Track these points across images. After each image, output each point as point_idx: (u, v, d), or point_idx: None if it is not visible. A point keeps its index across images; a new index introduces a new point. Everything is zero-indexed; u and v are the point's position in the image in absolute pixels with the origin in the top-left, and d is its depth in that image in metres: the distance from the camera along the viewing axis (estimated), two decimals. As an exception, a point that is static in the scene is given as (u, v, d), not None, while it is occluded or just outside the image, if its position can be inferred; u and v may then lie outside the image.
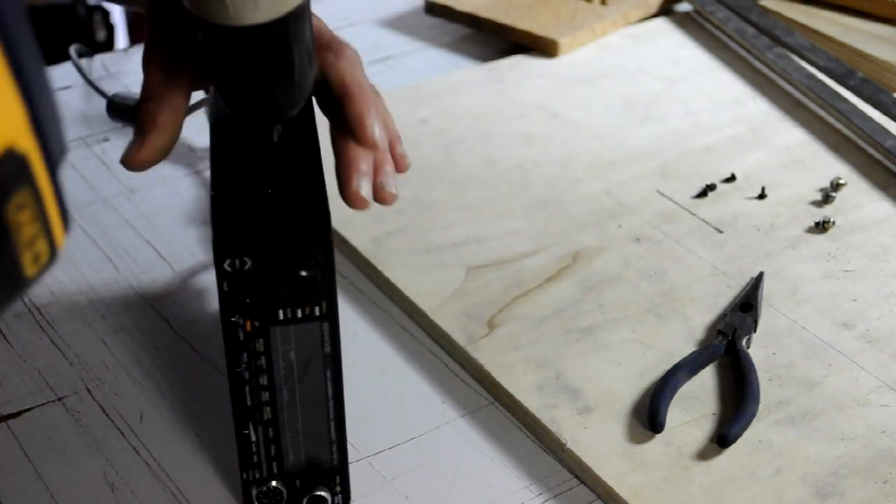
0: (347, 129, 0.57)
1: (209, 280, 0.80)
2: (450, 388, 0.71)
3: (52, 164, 0.37)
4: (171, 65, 0.57)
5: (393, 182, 0.58)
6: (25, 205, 0.35)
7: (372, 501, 0.63)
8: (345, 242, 0.81)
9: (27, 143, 0.35)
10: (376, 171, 0.58)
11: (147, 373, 0.72)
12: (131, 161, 0.56)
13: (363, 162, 0.57)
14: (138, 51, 1.11)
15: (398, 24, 1.17)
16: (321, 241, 0.54)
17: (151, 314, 0.77)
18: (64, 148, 0.38)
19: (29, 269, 0.36)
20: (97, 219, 0.86)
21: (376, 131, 0.56)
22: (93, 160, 0.93)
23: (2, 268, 0.35)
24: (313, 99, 0.61)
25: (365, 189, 0.56)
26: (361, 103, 0.56)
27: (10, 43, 0.34)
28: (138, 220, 0.86)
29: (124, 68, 1.07)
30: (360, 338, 0.75)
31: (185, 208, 0.88)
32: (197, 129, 0.94)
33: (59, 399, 0.70)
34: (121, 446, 0.67)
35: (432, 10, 1.14)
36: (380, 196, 0.58)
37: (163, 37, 0.57)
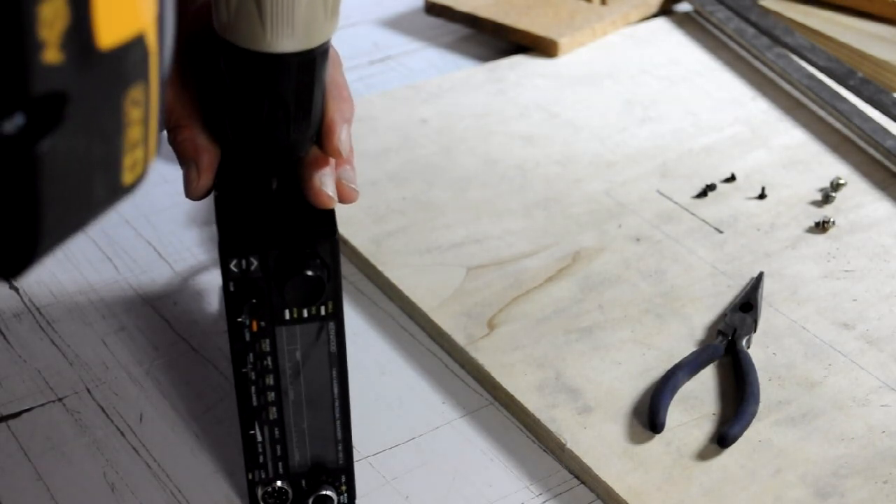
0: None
1: (209, 280, 0.80)
2: (450, 388, 0.71)
3: (163, 75, 0.37)
4: (188, 87, 0.56)
5: (355, 178, 0.57)
6: (139, 102, 0.36)
7: (372, 501, 0.63)
8: (345, 242, 0.81)
9: (152, 40, 0.35)
10: (336, 168, 0.56)
11: (147, 373, 0.72)
12: (195, 193, 0.55)
13: (325, 161, 0.56)
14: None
15: (398, 24, 1.17)
16: (327, 241, 0.54)
17: (151, 314, 0.77)
18: (167, 70, 0.38)
19: (127, 174, 0.37)
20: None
21: (342, 142, 0.55)
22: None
23: (107, 163, 0.36)
24: None
25: (329, 186, 0.55)
26: (333, 109, 0.55)
27: None
28: (138, 220, 0.86)
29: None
30: (360, 338, 0.75)
31: (185, 208, 0.88)
32: (197, 129, 0.94)
33: (59, 399, 0.70)
34: (121, 446, 0.67)
35: (432, 10, 1.14)
36: (342, 192, 0.56)
37: (184, 62, 0.57)
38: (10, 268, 0.35)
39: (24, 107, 0.32)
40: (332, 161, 0.56)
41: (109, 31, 0.33)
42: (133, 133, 0.36)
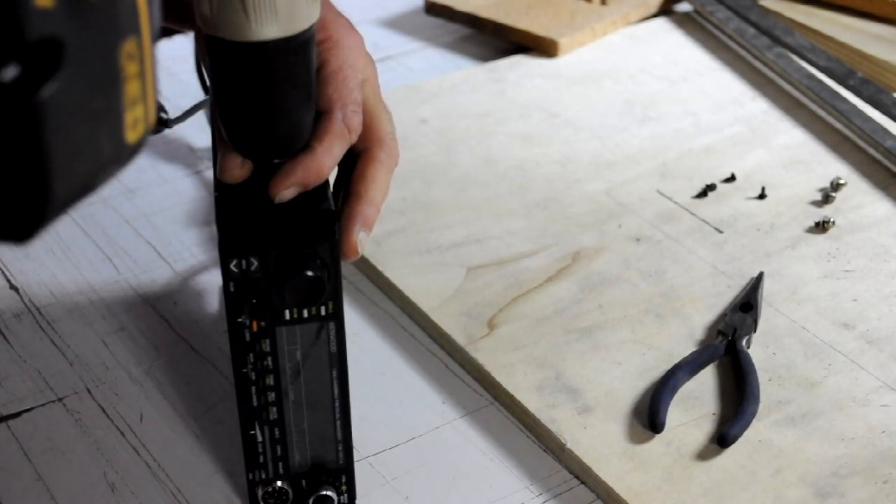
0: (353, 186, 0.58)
1: (209, 280, 0.80)
2: (450, 388, 0.71)
3: (154, 29, 0.37)
4: None
5: (366, 243, 0.58)
6: (133, 56, 0.36)
7: (372, 501, 0.63)
8: (345, 242, 0.81)
9: None
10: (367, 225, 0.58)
11: (147, 373, 0.72)
12: (232, 177, 0.55)
13: (364, 218, 0.57)
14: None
15: (398, 24, 1.17)
16: (327, 241, 0.54)
17: (151, 314, 0.77)
18: (159, 28, 0.38)
19: (129, 132, 0.37)
20: (97, 219, 0.86)
21: (360, 243, 0.56)
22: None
23: (109, 117, 0.36)
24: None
25: (364, 246, 0.57)
26: (354, 210, 0.57)
27: None
28: (138, 220, 0.86)
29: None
30: (360, 338, 0.75)
31: (185, 208, 0.88)
32: (197, 129, 0.94)
33: (59, 399, 0.70)
34: (121, 446, 0.67)
35: (432, 10, 1.14)
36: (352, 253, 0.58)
37: None
38: (21, 229, 0.34)
39: (21, 53, 0.32)
40: (371, 217, 0.57)
41: None
42: (131, 88, 0.36)
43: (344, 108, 0.56)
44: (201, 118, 0.90)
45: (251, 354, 0.56)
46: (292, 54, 0.51)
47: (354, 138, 0.57)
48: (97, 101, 0.35)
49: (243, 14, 0.49)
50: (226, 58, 0.52)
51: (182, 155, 0.94)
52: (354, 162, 0.59)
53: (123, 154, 0.37)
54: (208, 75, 0.56)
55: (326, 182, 0.57)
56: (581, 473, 0.65)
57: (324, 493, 0.60)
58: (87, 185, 0.36)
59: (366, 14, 1.18)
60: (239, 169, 0.55)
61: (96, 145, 0.36)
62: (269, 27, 0.50)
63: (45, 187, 0.34)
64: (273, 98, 0.52)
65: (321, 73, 0.56)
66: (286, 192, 0.54)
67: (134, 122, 0.37)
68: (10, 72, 0.32)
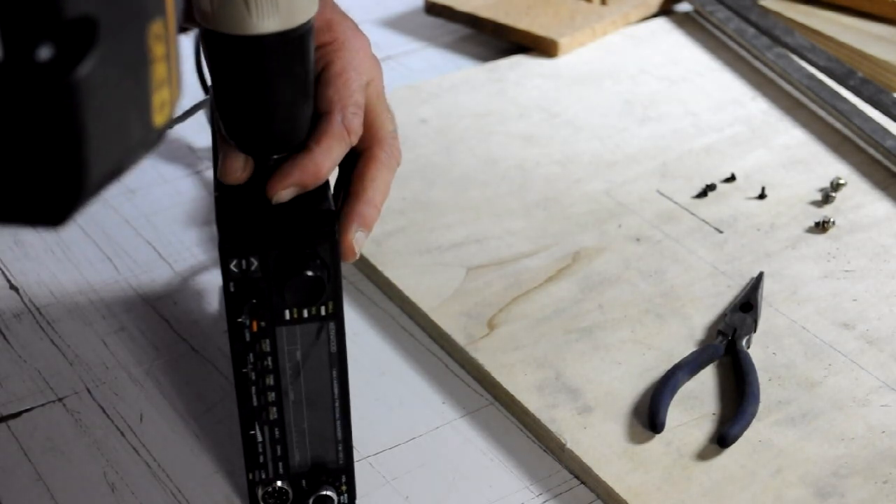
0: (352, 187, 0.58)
1: (209, 280, 0.80)
2: (450, 388, 0.71)
3: (178, 12, 0.37)
4: None
5: (363, 243, 0.58)
6: (161, 38, 0.36)
7: (372, 501, 0.63)
8: (345, 242, 0.81)
9: None
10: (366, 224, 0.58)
11: (147, 373, 0.72)
12: (233, 178, 0.55)
13: (362, 219, 0.57)
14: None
15: (398, 24, 1.17)
16: (327, 241, 0.54)
17: (151, 314, 0.77)
18: (180, 14, 0.38)
19: (157, 114, 0.37)
20: (97, 219, 0.86)
21: (357, 242, 0.56)
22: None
23: (138, 100, 0.36)
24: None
25: (360, 245, 0.57)
26: (354, 209, 0.57)
27: None
28: (138, 220, 0.86)
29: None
30: (360, 338, 0.75)
31: (185, 208, 0.88)
32: (197, 129, 0.94)
33: (59, 399, 0.70)
34: (121, 446, 0.67)
35: (432, 10, 1.14)
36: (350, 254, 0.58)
37: None
38: (57, 212, 0.34)
39: (58, 32, 0.32)
40: (370, 217, 0.57)
41: None
42: (159, 70, 0.36)
43: (344, 109, 0.56)
44: (201, 118, 0.90)
45: (251, 354, 0.56)
46: (291, 47, 0.51)
47: (354, 140, 0.57)
48: (128, 83, 0.35)
49: (244, 8, 0.50)
50: (225, 52, 0.52)
51: (182, 155, 0.94)
52: (355, 162, 0.59)
53: (151, 137, 0.37)
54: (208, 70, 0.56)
55: (327, 182, 0.57)
56: (581, 473, 0.65)
57: (324, 493, 0.60)
58: (118, 168, 0.36)
59: (366, 14, 1.18)
60: (241, 171, 0.55)
61: (128, 127, 0.36)
62: (270, 20, 0.50)
63: (81, 168, 0.34)
64: (271, 91, 0.52)
65: (325, 74, 0.56)
66: (284, 192, 0.54)
67: (161, 104, 0.37)
68: (46, 52, 0.32)
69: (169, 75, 0.37)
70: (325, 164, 0.55)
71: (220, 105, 0.54)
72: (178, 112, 0.81)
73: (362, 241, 0.57)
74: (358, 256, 0.57)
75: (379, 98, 0.60)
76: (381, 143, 0.59)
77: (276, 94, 0.52)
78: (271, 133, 0.54)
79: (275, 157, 0.55)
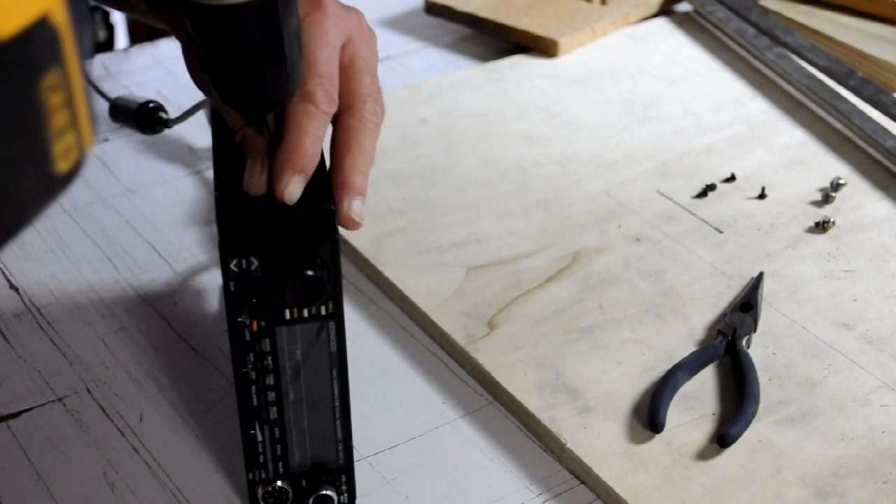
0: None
1: (209, 280, 0.80)
2: (450, 388, 0.71)
3: (83, 52, 0.36)
4: None
5: (362, 209, 0.58)
6: (57, 87, 0.34)
7: (372, 501, 0.63)
8: (345, 242, 0.81)
9: (61, 19, 0.34)
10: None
11: (147, 373, 0.72)
12: (257, 186, 0.56)
13: (352, 187, 0.57)
14: (138, 51, 1.11)
15: (398, 24, 1.17)
16: (327, 241, 0.54)
17: (151, 314, 0.77)
18: (91, 48, 0.37)
19: (60, 162, 0.35)
20: (97, 219, 0.86)
21: (354, 212, 0.56)
22: (93, 160, 0.93)
23: (34, 156, 0.34)
24: None
25: (357, 212, 0.57)
26: (345, 177, 0.57)
27: None
28: (138, 220, 0.86)
29: (124, 68, 1.07)
30: (360, 338, 0.75)
31: (185, 208, 0.88)
32: (197, 129, 0.94)
33: (59, 399, 0.70)
34: (121, 446, 0.67)
35: (432, 10, 1.14)
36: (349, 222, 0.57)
37: None
38: None
39: None
40: (358, 184, 0.57)
41: (4, 19, 0.32)
42: (58, 119, 0.35)
43: (306, 83, 0.56)
44: (201, 118, 0.90)
45: (251, 354, 0.56)
46: (268, 13, 0.52)
47: (327, 109, 0.57)
48: (18, 143, 0.34)
49: None
50: (203, 21, 0.52)
51: (182, 155, 0.94)
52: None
53: (54, 186, 0.35)
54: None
55: (327, 182, 0.57)
56: (581, 473, 0.65)
57: (324, 492, 0.60)
58: (16, 225, 0.35)
59: (366, 14, 1.17)
60: (259, 174, 0.55)
61: (20, 187, 0.34)
62: None
63: None
64: (252, 57, 0.53)
65: None
66: (289, 188, 0.54)
67: (65, 151, 0.35)
68: None
69: (73, 120, 0.35)
70: (305, 141, 0.55)
71: (210, 70, 0.54)
72: (178, 113, 0.81)
73: (359, 208, 0.57)
74: (361, 224, 0.57)
75: (352, 61, 0.60)
76: (352, 109, 0.59)
77: (258, 57, 0.53)
78: (261, 92, 0.54)
79: (269, 114, 0.56)
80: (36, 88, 0.33)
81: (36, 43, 0.33)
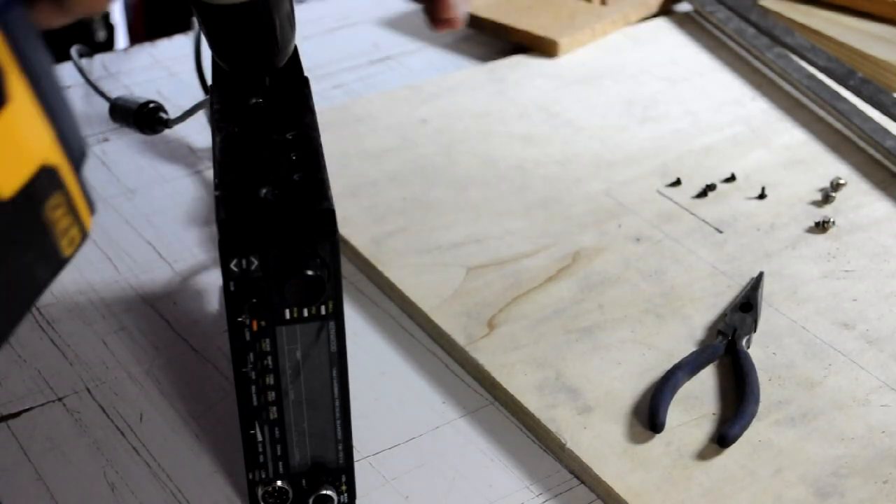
0: None
1: (209, 280, 0.80)
2: (450, 388, 0.71)
3: (77, 166, 0.41)
4: None
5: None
6: (59, 204, 0.39)
7: (372, 501, 0.63)
8: (345, 242, 0.81)
9: (56, 158, 0.39)
10: None
11: (147, 373, 0.72)
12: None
13: None
14: (138, 51, 1.11)
15: (398, 24, 1.17)
16: (327, 240, 0.54)
17: (151, 314, 0.77)
18: (84, 149, 0.42)
19: (66, 250, 0.41)
20: (97, 219, 0.86)
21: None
22: (93, 160, 0.93)
23: (45, 254, 0.40)
24: (313, 99, 0.61)
25: (461, 8, 0.62)
26: None
27: (32, 73, 0.37)
28: (138, 220, 0.86)
29: (124, 68, 1.07)
30: (360, 338, 0.75)
31: (185, 208, 0.88)
32: (197, 129, 0.94)
33: (59, 399, 0.70)
34: (121, 446, 0.67)
35: (432, 10, 1.14)
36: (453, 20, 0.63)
37: None
38: None
39: None
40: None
41: (7, 182, 0.36)
42: (62, 224, 0.40)
43: None
44: (201, 118, 0.90)
45: (251, 354, 0.56)
46: (262, 10, 0.59)
47: None
48: (29, 253, 0.39)
49: None
50: (208, 17, 0.59)
51: (182, 155, 0.94)
52: None
53: (63, 264, 0.41)
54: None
55: (326, 181, 0.57)
56: (581, 473, 0.65)
57: (324, 492, 0.60)
58: (29, 303, 0.40)
59: (366, 14, 1.18)
60: None
61: (34, 278, 0.40)
62: None
63: None
64: (252, 42, 0.60)
65: None
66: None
67: (70, 241, 0.41)
68: None
69: (75, 216, 0.41)
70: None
71: (213, 49, 0.61)
72: (178, 113, 0.81)
73: (465, 4, 0.61)
74: (463, 23, 0.62)
75: None
76: None
77: (256, 43, 0.60)
78: (256, 65, 0.62)
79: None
80: (41, 215, 0.39)
81: (37, 187, 0.38)
